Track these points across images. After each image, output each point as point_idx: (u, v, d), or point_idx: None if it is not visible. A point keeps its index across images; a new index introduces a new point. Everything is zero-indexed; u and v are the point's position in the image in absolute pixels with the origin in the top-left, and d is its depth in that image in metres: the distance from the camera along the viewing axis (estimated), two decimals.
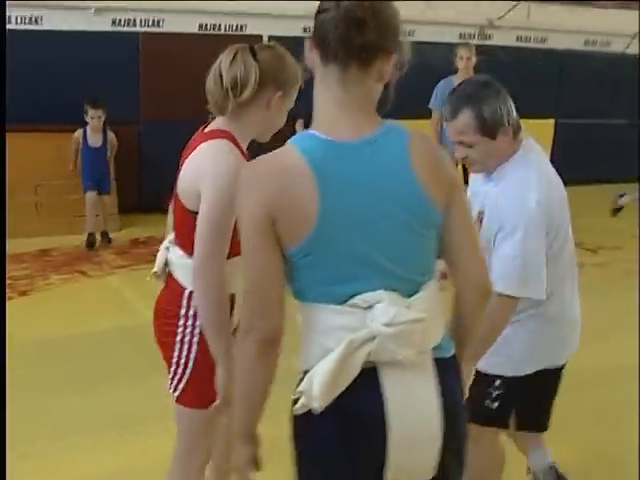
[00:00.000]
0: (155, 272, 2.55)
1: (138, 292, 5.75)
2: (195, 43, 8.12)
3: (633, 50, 10.51)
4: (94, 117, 6.92)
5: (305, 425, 1.77)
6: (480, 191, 2.74)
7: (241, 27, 8.41)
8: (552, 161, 9.59)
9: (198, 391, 2.45)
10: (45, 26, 7.50)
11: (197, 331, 2.39)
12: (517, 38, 10.04)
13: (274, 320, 1.72)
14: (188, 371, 2.44)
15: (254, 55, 2.34)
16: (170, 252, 2.48)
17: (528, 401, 2.80)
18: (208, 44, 8.15)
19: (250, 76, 2.30)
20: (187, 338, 2.40)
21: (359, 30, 1.64)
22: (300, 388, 1.72)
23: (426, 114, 9.09)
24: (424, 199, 1.73)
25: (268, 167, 1.71)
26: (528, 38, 10.10)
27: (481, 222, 2.64)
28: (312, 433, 1.77)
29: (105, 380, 4.30)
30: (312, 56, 1.73)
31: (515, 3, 9.58)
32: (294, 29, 8.62)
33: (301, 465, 1.83)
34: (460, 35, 9.69)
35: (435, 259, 1.84)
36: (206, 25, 8.27)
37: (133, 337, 4.89)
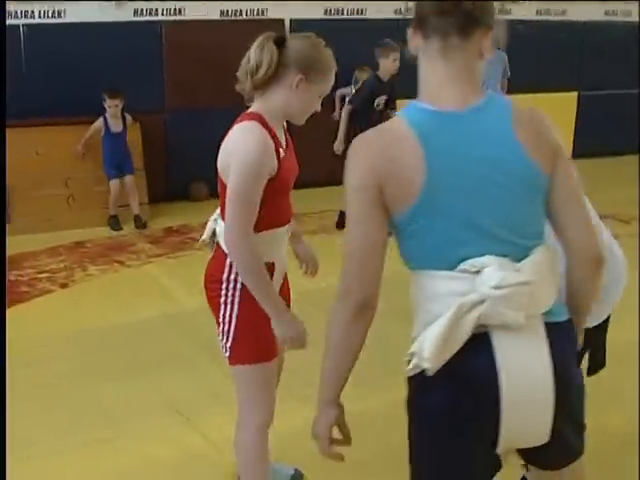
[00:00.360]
0: (203, 240, 2.83)
1: (177, 280, 5.78)
2: (217, 30, 8.11)
3: None
4: (111, 106, 7.11)
5: (417, 391, 1.82)
6: None
7: (262, 12, 8.37)
8: (576, 134, 9.69)
9: (245, 348, 2.66)
10: (68, 19, 7.49)
11: (238, 293, 2.63)
12: (537, 12, 9.95)
13: (372, 286, 1.80)
14: (232, 330, 2.66)
15: (282, 42, 2.56)
16: (217, 224, 2.73)
17: (595, 349, 2.96)
18: (230, 30, 8.20)
19: (265, 58, 2.52)
20: (229, 299, 2.65)
21: (457, 1, 1.74)
22: (411, 350, 1.76)
23: None
24: (529, 165, 1.77)
25: (377, 138, 1.78)
26: (548, 11, 10.01)
27: None
28: (424, 399, 1.81)
29: (156, 367, 4.32)
30: (415, 41, 1.82)
31: None
32: (315, 12, 8.63)
33: (413, 430, 1.87)
34: None
35: (544, 223, 1.84)
36: (227, 11, 8.23)
37: (178, 324, 4.94)
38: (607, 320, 2.95)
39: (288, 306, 2.85)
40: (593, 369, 3.04)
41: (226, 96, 8.90)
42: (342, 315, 1.81)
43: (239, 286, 2.63)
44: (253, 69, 2.54)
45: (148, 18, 7.86)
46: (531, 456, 1.93)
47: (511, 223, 1.77)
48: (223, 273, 2.64)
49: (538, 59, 9.47)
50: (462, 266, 1.74)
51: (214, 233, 2.77)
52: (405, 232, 1.79)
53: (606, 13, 10.39)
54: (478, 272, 1.72)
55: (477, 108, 1.77)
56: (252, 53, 2.55)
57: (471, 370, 1.74)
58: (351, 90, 8.93)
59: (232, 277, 2.63)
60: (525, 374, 1.73)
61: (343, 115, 6.99)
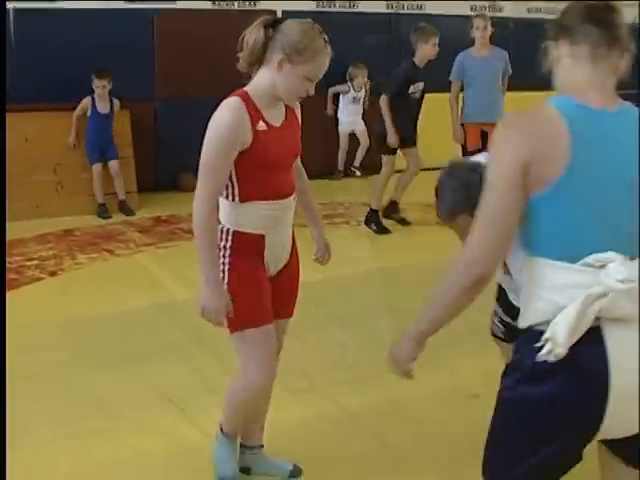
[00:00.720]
0: None
1: (167, 270, 5.77)
2: (209, 19, 8.09)
3: None
4: (99, 86, 7.13)
5: (523, 381, 1.92)
6: None
7: (254, 2, 8.34)
8: None
9: (237, 314, 2.77)
10: (59, 4, 7.42)
11: (227, 260, 2.78)
12: (528, 10, 9.98)
13: (497, 262, 1.93)
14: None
15: (274, 25, 2.69)
16: None
17: None
18: (221, 20, 8.17)
19: (251, 39, 2.69)
20: (220, 267, 2.78)
21: (608, 14, 1.94)
22: (546, 335, 1.84)
23: (442, 87, 9.10)
24: None
25: (528, 120, 1.92)
26: (539, 9, 10.05)
27: None
28: (534, 388, 1.90)
29: (148, 357, 4.30)
30: (560, 48, 1.97)
31: None
32: (307, 4, 8.61)
33: (513, 418, 1.97)
34: (471, 7, 9.63)
35: None
36: (220, 1, 8.20)
37: (168, 314, 4.92)
38: None
39: (295, 285, 3.03)
40: None
41: (217, 86, 8.81)
42: (462, 283, 1.93)
43: (228, 253, 2.77)
44: (245, 50, 2.72)
45: (140, 6, 7.81)
46: (621, 447, 2.01)
47: (631, 223, 1.89)
48: (220, 241, 2.78)
49: (529, 57, 9.48)
50: (586, 260, 1.84)
51: None
52: (537, 214, 1.88)
53: None
54: (602, 266, 1.83)
55: (621, 111, 1.94)
56: (246, 34, 2.72)
57: (584, 360, 1.84)
58: (348, 88, 8.90)
59: (222, 244, 2.77)
60: (634, 364, 1.84)
61: (382, 106, 6.72)
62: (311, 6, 8.65)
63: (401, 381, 3.80)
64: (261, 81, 2.74)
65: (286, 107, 2.85)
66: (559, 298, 1.85)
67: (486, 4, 9.69)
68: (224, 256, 2.77)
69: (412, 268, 5.74)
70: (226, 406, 3.05)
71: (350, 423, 3.70)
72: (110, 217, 7.14)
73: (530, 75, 8.24)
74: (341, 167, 9.25)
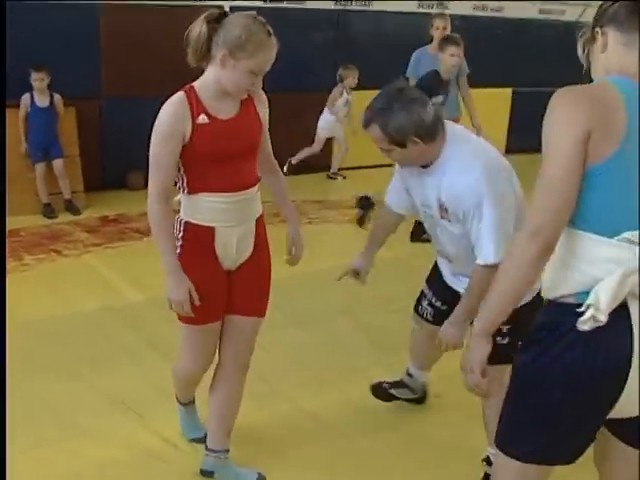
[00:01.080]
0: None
1: (117, 270, 5.63)
2: (155, 15, 7.92)
3: (587, 18, 10.61)
4: (36, 79, 6.92)
5: (550, 349, 1.95)
6: (418, 184, 3.02)
7: None
8: (510, 130, 9.79)
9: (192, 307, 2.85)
10: None
11: (179, 251, 2.86)
12: (474, 7, 10.04)
13: (562, 227, 1.92)
14: None
15: (219, 20, 2.71)
16: None
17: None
18: (168, 16, 8.02)
19: (194, 34, 2.72)
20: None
21: None
22: (589, 301, 1.88)
23: (386, 84, 9.09)
24: None
25: (589, 91, 1.96)
26: (485, 7, 10.12)
27: (446, 212, 2.93)
28: (561, 356, 1.94)
29: (102, 362, 4.20)
30: (607, 36, 2.02)
31: None
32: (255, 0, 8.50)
33: (532, 386, 2.00)
34: (418, 5, 9.66)
35: None
36: None
37: (121, 317, 4.81)
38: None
39: (262, 283, 3.05)
40: None
41: (164, 83, 8.61)
42: (528, 254, 1.92)
43: (180, 244, 2.87)
44: (190, 46, 2.75)
45: (85, 1, 7.61)
46: (624, 428, 2.07)
47: None
48: (175, 231, 2.89)
49: (475, 55, 9.52)
50: (624, 235, 1.89)
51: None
52: (587, 187, 1.90)
53: (540, 12, 10.56)
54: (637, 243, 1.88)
55: None
56: (190, 29, 2.75)
57: (610, 334, 1.89)
58: (342, 91, 8.65)
59: (175, 234, 2.88)
60: None
61: None
62: (259, 2, 8.55)
63: (360, 382, 3.84)
64: (207, 76, 2.79)
65: (243, 99, 2.86)
66: (596, 271, 1.91)
67: (433, 2, 9.72)
68: (176, 246, 2.87)
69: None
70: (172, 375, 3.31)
71: (315, 426, 3.66)
72: (56, 217, 6.95)
73: (478, 73, 8.32)
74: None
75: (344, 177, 9.13)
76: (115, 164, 7.95)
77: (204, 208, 2.84)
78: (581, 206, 1.93)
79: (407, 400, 3.83)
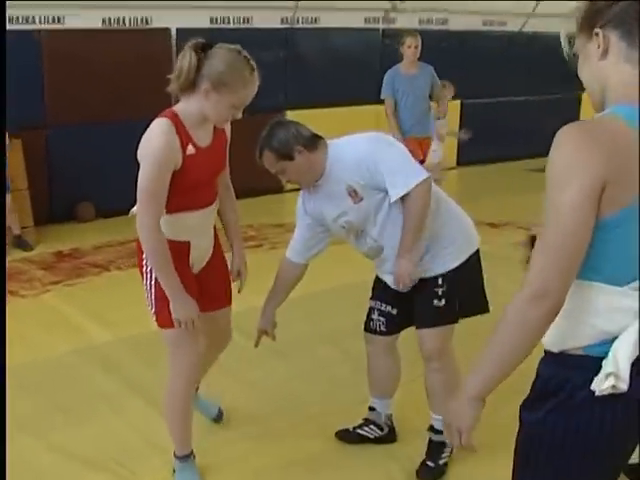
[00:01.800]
0: (132, 212, 3.04)
1: (80, 309, 5.34)
2: (99, 39, 7.66)
3: (528, 28, 10.71)
4: None
5: (559, 407, 1.78)
6: (325, 202, 3.25)
7: (146, 20, 7.95)
8: (460, 142, 9.64)
9: (163, 313, 2.97)
10: None
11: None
12: (419, 21, 10.00)
13: (567, 290, 1.70)
14: (152, 296, 3.00)
15: (205, 50, 2.79)
16: None
17: (466, 287, 3.32)
18: (113, 40, 7.76)
19: (184, 66, 2.78)
20: (148, 268, 2.97)
21: None
22: (608, 369, 1.71)
23: (338, 101, 8.97)
24: None
25: (599, 132, 1.70)
26: (430, 20, 10.09)
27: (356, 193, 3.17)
28: (569, 416, 1.78)
29: (81, 410, 3.92)
30: (604, 40, 1.75)
31: None
32: (201, 20, 8.30)
33: (542, 448, 1.83)
34: (365, 20, 9.58)
35: None
36: (109, 19, 7.76)
37: (93, 360, 4.53)
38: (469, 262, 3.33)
39: (224, 274, 3.29)
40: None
41: (112, 110, 8.41)
42: (534, 320, 1.70)
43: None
44: (176, 74, 2.81)
45: (24, 27, 7.30)
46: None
47: None
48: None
49: None
50: (634, 284, 1.72)
51: None
52: (604, 236, 1.70)
53: (484, 23, 10.59)
54: None
55: None
56: (178, 59, 2.82)
57: (631, 392, 1.73)
58: None
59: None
60: None
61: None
62: (205, 23, 8.35)
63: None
64: (191, 105, 2.85)
65: (215, 128, 2.99)
66: (603, 322, 1.74)
67: (379, 16, 9.65)
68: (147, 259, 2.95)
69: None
70: (167, 420, 3.23)
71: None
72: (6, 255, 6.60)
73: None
74: None
75: None
76: (63, 196, 7.64)
77: (181, 226, 2.98)
78: (592, 258, 1.72)
79: (375, 441, 3.64)
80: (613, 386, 1.71)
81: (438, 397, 3.37)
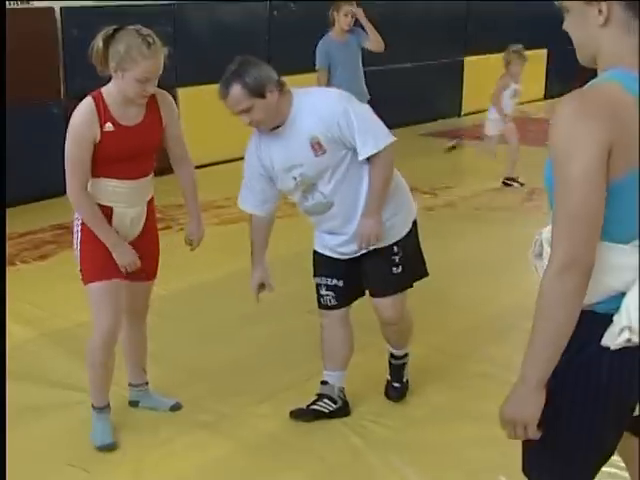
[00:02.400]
0: None
1: None
2: None
3: None
4: None
5: (584, 368, 1.85)
6: (279, 149, 3.28)
7: (28, 0, 7.57)
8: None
9: (85, 270, 3.33)
10: None
11: (79, 223, 3.32)
12: None
13: (594, 253, 1.75)
14: (79, 254, 3.35)
15: (114, 34, 3.12)
16: None
17: (414, 253, 3.52)
18: None
19: (92, 51, 3.18)
20: (76, 229, 3.35)
21: None
22: (625, 323, 1.77)
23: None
24: None
25: (601, 100, 1.75)
26: None
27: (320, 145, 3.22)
28: (597, 374, 1.84)
29: (27, 414, 3.72)
30: (608, 9, 1.78)
31: None
32: None
33: (576, 407, 1.88)
34: None
35: None
36: None
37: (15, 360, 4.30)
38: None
39: (151, 249, 3.50)
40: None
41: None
42: (566, 288, 1.75)
43: (79, 221, 3.31)
44: (91, 59, 3.19)
45: None
46: None
47: None
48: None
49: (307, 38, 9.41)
50: (635, 242, 1.80)
51: None
52: (612, 199, 1.75)
53: None
54: None
55: None
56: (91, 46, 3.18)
57: None
58: (506, 83, 7.76)
59: (76, 215, 3.33)
60: None
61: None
62: (91, 2, 8.01)
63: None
64: (112, 85, 3.21)
65: (150, 105, 3.26)
66: (610, 279, 1.82)
67: None
68: (78, 219, 3.32)
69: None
70: (87, 366, 3.45)
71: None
72: None
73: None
74: None
75: (522, 184, 7.74)
76: None
77: (104, 191, 3.29)
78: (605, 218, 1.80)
79: (330, 415, 3.63)
80: (628, 339, 1.79)
81: (397, 342, 3.70)
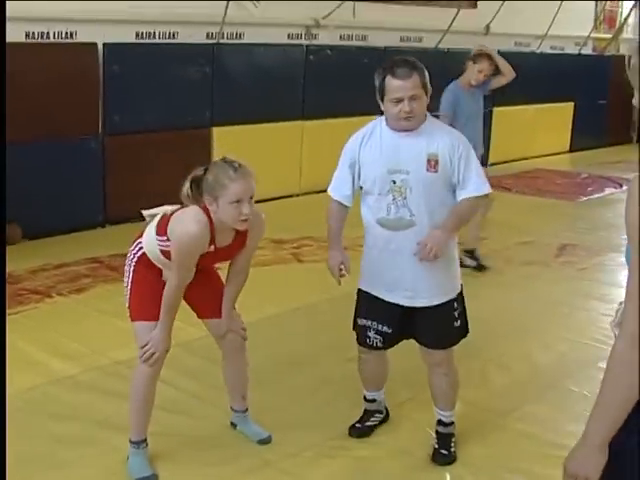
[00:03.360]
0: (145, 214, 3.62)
1: (31, 341, 5.07)
2: (23, 53, 7.34)
3: (444, 45, 10.95)
4: None
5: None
6: (392, 151, 3.39)
7: (71, 34, 7.67)
8: None
9: (133, 308, 3.51)
10: None
11: (133, 265, 3.52)
12: (340, 37, 10.08)
13: None
14: (128, 292, 3.52)
15: (203, 175, 3.34)
16: (151, 224, 3.54)
17: (464, 307, 3.64)
18: (37, 54, 7.46)
19: (182, 193, 3.39)
20: (130, 268, 3.53)
21: None
22: None
23: (264, 117, 8.90)
24: None
25: None
26: (350, 36, 10.18)
27: (436, 163, 3.39)
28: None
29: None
30: None
31: (339, 3, 9.57)
32: (127, 35, 8.09)
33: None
34: (288, 35, 9.57)
35: None
36: (33, 33, 7.46)
37: (55, 402, 4.28)
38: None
39: (213, 287, 3.69)
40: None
41: (36, 128, 8.04)
42: (638, 358, 1.79)
43: (134, 261, 3.50)
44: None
45: None
46: None
47: None
48: (133, 251, 3.53)
49: (347, 82, 9.48)
50: None
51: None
52: None
53: (401, 39, 10.77)
54: None
55: None
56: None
57: None
58: None
59: (134, 251, 3.52)
60: None
61: None
62: (131, 37, 8.14)
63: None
64: (214, 216, 3.33)
65: (237, 231, 3.39)
66: None
67: (301, 31, 9.66)
68: (132, 258, 3.52)
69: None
70: (129, 406, 3.56)
71: None
72: None
73: (354, 101, 8.28)
74: None
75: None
76: None
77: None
78: None
79: (379, 425, 4.00)
80: None
81: (446, 396, 3.72)
